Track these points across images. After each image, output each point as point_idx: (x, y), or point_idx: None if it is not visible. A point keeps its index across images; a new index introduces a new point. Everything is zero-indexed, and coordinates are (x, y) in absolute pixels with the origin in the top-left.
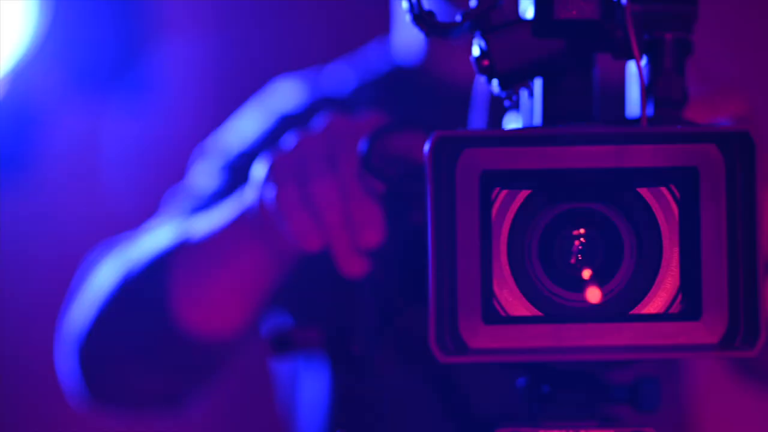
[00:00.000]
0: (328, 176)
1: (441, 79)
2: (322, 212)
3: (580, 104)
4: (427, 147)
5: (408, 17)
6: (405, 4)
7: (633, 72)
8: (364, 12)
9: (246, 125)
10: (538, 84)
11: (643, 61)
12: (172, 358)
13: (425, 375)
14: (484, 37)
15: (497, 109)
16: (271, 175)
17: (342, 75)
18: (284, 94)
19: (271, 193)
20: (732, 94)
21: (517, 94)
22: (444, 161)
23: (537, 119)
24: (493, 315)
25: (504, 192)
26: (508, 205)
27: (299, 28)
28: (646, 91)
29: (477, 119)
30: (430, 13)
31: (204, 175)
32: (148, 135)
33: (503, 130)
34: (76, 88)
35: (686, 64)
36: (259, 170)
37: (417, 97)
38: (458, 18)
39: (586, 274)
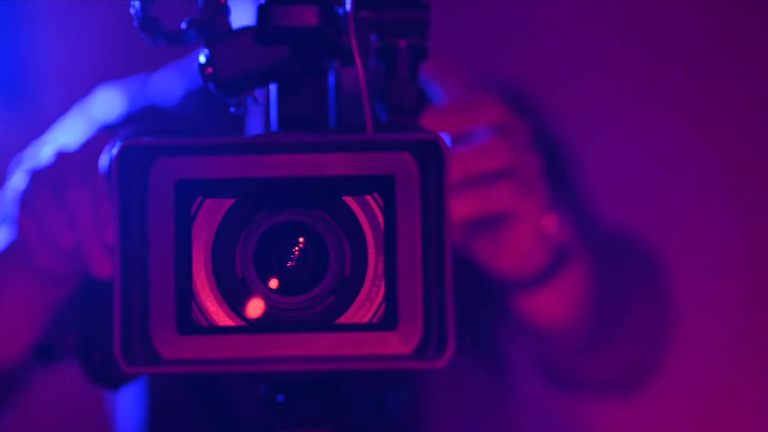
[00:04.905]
0: (81, 184)
1: None
2: (73, 213)
3: (313, 111)
4: (112, 156)
5: (135, 23)
6: (131, 10)
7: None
8: None
9: (65, 135)
10: (273, 90)
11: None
12: None
13: (195, 381)
14: (207, 45)
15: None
16: (30, 184)
17: (169, 83)
18: (106, 104)
19: (28, 199)
20: (490, 101)
21: (246, 101)
22: (135, 170)
23: (273, 125)
24: (190, 325)
25: (208, 201)
26: (212, 214)
27: None
28: (381, 97)
29: (254, 125)
30: (156, 20)
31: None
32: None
33: (198, 138)
34: None
35: (419, 70)
36: (18, 181)
37: None
38: (183, 25)
39: (273, 283)
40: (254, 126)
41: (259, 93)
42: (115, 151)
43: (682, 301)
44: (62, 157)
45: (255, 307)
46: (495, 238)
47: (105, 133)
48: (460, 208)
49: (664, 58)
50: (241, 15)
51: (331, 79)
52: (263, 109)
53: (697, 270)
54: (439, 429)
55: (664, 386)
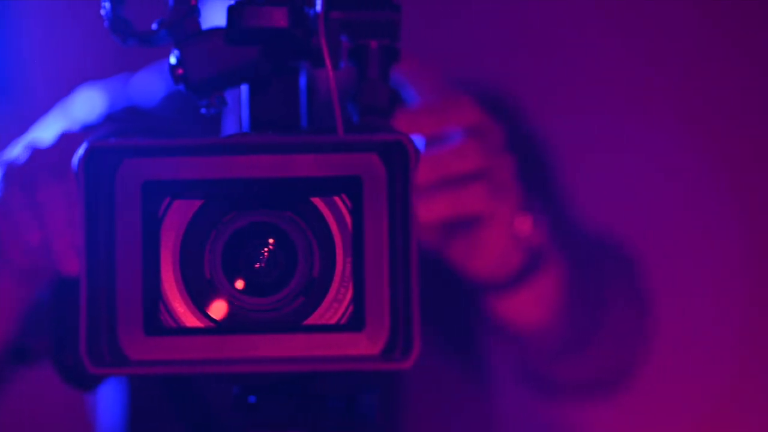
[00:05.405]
0: (52, 182)
1: None
2: (43, 211)
3: (284, 112)
4: (78, 158)
5: (105, 24)
6: (102, 11)
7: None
8: None
9: (44, 134)
10: (245, 91)
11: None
12: None
13: (171, 382)
14: (178, 46)
15: None
16: (2, 182)
17: (150, 83)
18: (87, 103)
19: None
20: (463, 103)
21: (216, 101)
22: (102, 171)
23: (245, 126)
24: (157, 326)
25: (176, 202)
26: (181, 215)
27: None
28: (353, 99)
29: (229, 126)
30: (126, 21)
31: None
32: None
33: (164, 139)
34: None
35: (390, 71)
36: None
37: None
38: (154, 26)
39: (239, 284)
40: (230, 127)
41: (231, 94)
42: (81, 152)
43: (680, 301)
44: (35, 154)
45: (222, 309)
46: (468, 240)
47: (80, 132)
48: (433, 209)
49: (657, 57)
50: (216, 15)
51: (302, 81)
52: (238, 110)
53: (696, 270)
54: (418, 431)
55: (661, 387)
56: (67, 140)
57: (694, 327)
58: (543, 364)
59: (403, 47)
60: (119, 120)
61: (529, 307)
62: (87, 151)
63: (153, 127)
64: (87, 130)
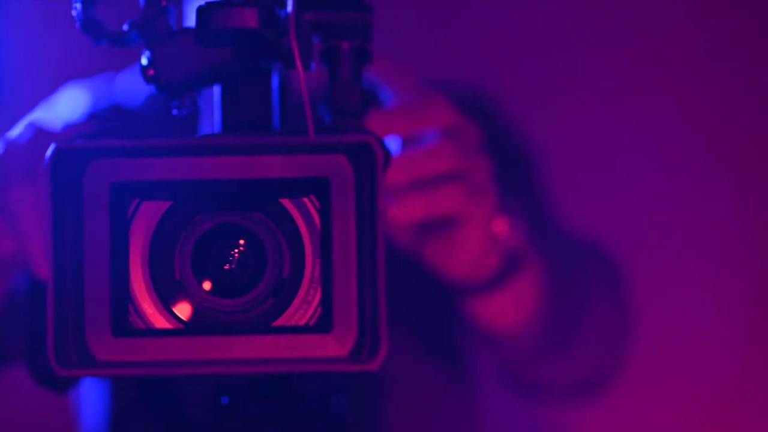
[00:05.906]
0: (25, 183)
1: None
2: (14, 213)
3: (256, 113)
4: (45, 160)
5: (77, 24)
6: (74, 12)
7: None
8: None
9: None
10: (217, 92)
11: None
12: None
13: (145, 384)
14: (149, 46)
15: None
16: None
17: (135, 82)
18: (71, 102)
19: None
20: (439, 104)
21: (187, 102)
22: (70, 173)
23: (217, 127)
24: (126, 327)
25: (145, 203)
26: (150, 216)
27: None
28: (325, 100)
29: (206, 127)
30: (97, 22)
31: None
32: None
33: (132, 140)
34: None
35: (363, 72)
36: None
37: None
38: (125, 27)
39: (207, 285)
40: (205, 128)
41: (205, 94)
42: (48, 153)
43: (681, 301)
44: (7, 154)
45: (191, 310)
46: (445, 242)
47: (54, 131)
48: (408, 210)
49: (657, 56)
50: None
51: (275, 82)
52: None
53: (697, 270)
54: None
55: (658, 387)
56: (40, 139)
57: (694, 327)
58: (523, 366)
59: (382, 48)
60: (103, 119)
61: (506, 309)
62: (54, 153)
63: (136, 126)
64: (66, 129)
